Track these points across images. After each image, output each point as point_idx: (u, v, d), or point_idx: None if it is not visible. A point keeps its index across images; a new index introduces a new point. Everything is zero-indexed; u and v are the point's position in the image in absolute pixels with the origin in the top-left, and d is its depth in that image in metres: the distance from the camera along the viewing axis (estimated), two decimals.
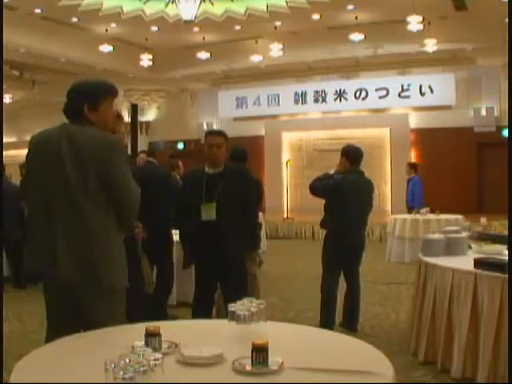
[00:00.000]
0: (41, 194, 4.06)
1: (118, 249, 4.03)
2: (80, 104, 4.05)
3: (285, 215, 20.61)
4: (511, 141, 9.70)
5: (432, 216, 14.04)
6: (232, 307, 3.34)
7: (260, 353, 2.80)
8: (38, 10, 16.37)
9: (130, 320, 3.90)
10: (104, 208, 3.93)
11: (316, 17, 17.14)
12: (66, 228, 3.97)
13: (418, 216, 14.22)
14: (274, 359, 2.83)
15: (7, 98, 26.06)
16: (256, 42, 19.12)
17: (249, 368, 2.79)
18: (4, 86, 23.90)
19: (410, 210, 15.35)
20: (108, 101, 4.11)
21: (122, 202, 4.01)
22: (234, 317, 3.30)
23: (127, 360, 2.51)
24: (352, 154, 8.13)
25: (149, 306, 7.80)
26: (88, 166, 3.89)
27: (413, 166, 15.99)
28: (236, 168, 6.60)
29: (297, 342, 3.36)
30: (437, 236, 6.90)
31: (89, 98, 4.05)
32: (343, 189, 7.70)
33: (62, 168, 3.98)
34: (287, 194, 21.56)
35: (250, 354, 2.81)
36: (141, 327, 3.16)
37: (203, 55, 19.49)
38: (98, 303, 3.91)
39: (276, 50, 18.47)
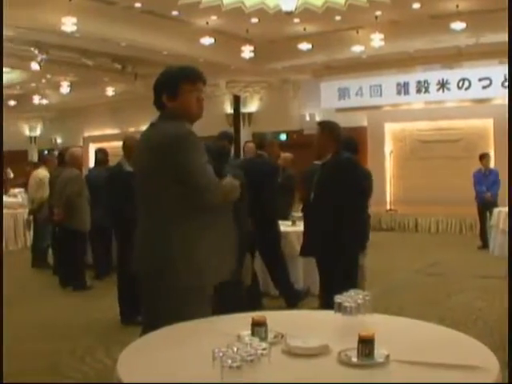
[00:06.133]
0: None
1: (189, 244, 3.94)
2: (160, 94, 4.11)
3: (388, 207, 20.46)
4: (511, 141, 9.42)
5: None
6: (338, 299, 3.34)
7: (366, 345, 2.78)
8: (137, 5, 16.60)
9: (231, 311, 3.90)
10: (178, 201, 3.92)
11: (416, 5, 16.85)
12: (143, 221, 4.11)
13: None
14: (380, 352, 2.81)
15: (110, 91, 26.60)
16: (357, 32, 18.93)
17: (355, 360, 2.78)
18: (106, 79, 24.44)
19: (492, 204, 14.71)
20: (187, 87, 4.05)
21: (193, 186, 3.91)
22: (340, 308, 3.30)
23: (235, 349, 2.54)
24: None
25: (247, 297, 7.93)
26: (155, 159, 3.94)
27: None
28: (336, 160, 6.53)
29: (402, 334, 3.33)
30: None
31: (166, 86, 4.08)
32: None
33: (138, 163, 4.24)
34: (390, 185, 21.39)
35: (356, 346, 2.80)
36: (246, 317, 3.19)
37: (304, 46, 19.41)
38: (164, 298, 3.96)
39: (377, 40, 18.22)
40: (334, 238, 6.17)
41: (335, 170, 6.30)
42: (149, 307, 4.12)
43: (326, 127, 6.55)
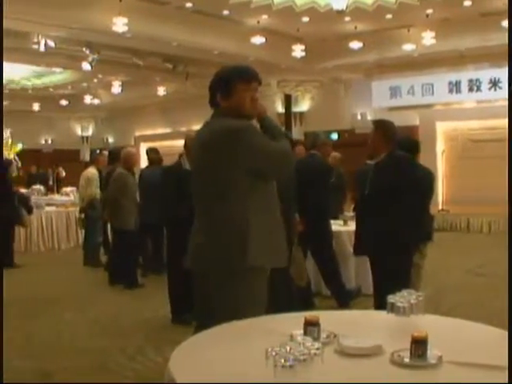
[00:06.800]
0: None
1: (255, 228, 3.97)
2: (214, 93, 4.13)
3: (440, 207, 20.27)
4: (511, 141, 9.24)
5: None
6: (391, 299, 3.32)
7: (419, 346, 2.76)
8: (188, 4, 16.67)
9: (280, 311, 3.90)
10: (233, 196, 3.94)
11: (468, 3, 16.68)
12: (198, 219, 4.14)
13: None
14: (432, 353, 2.79)
15: (161, 91, 26.78)
16: (408, 30, 18.82)
17: (407, 361, 2.76)
18: (157, 79, 24.60)
19: None
20: (241, 85, 4.05)
21: (268, 169, 4.04)
22: (393, 309, 3.29)
23: (288, 348, 2.55)
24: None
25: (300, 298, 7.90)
26: (210, 155, 3.97)
27: None
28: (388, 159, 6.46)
29: (455, 335, 3.30)
30: None
31: (221, 85, 4.09)
32: None
33: (194, 161, 4.31)
34: (442, 185, 21.19)
35: (409, 347, 2.78)
36: (299, 316, 3.18)
37: (355, 45, 19.35)
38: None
39: (428, 38, 18.13)
40: (388, 237, 6.12)
41: (390, 169, 6.22)
42: (202, 306, 4.14)
43: (380, 126, 6.48)
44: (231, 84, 4.06)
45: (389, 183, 6.14)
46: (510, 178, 5.47)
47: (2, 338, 5.66)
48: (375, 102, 23.05)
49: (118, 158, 10.88)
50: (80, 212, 13.49)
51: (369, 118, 22.10)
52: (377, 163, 6.35)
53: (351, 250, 7.39)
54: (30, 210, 13.72)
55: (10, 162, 14.71)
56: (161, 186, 8.66)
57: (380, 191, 6.19)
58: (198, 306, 4.21)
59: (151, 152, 12.13)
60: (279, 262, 4.14)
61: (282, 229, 4.17)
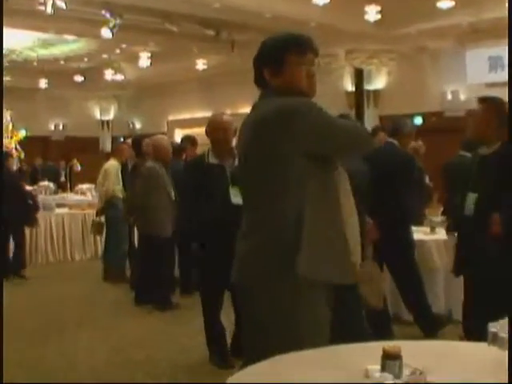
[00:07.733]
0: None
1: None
2: (261, 69, 4.15)
3: None
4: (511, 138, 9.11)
5: None
6: (493, 327, 3.26)
7: None
8: None
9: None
10: (292, 188, 3.90)
11: None
12: (248, 220, 4.15)
13: None
14: None
15: (200, 64, 26.78)
16: None
17: None
18: (195, 50, 24.60)
19: None
20: (294, 58, 4.05)
21: (334, 149, 4.05)
22: (495, 340, 3.22)
23: None
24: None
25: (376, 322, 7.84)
26: (258, 142, 3.97)
27: None
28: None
29: None
30: None
31: (269, 58, 4.11)
32: None
33: (241, 153, 4.29)
34: None
35: None
36: (375, 347, 3.15)
37: (445, 4, 19.05)
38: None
39: None
40: (498, 253, 5.98)
41: (508, 166, 5.99)
42: (251, 332, 4.12)
43: (492, 104, 6.28)
44: (281, 57, 4.05)
45: (507, 185, 5.95)
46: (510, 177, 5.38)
47: (2, 339, 5.79)
48: (470, 77, 22.77)
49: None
50: (96, 214, 13.55)
51: (462, 97, 21.90)
52: (485, 156, 6.18)
53: (439, 263, 7.32)
54: (36, 209, 13.89)
55: (8, 155, 14.88)
56: (178, 184, 8.71)
57: (491, 195, 6.02)
58: (247, 333, 4.20)
59: (182, 141, 12.19)
60: (342, 277, 4.06)
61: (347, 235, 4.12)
